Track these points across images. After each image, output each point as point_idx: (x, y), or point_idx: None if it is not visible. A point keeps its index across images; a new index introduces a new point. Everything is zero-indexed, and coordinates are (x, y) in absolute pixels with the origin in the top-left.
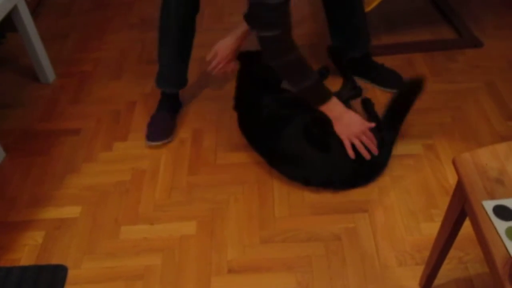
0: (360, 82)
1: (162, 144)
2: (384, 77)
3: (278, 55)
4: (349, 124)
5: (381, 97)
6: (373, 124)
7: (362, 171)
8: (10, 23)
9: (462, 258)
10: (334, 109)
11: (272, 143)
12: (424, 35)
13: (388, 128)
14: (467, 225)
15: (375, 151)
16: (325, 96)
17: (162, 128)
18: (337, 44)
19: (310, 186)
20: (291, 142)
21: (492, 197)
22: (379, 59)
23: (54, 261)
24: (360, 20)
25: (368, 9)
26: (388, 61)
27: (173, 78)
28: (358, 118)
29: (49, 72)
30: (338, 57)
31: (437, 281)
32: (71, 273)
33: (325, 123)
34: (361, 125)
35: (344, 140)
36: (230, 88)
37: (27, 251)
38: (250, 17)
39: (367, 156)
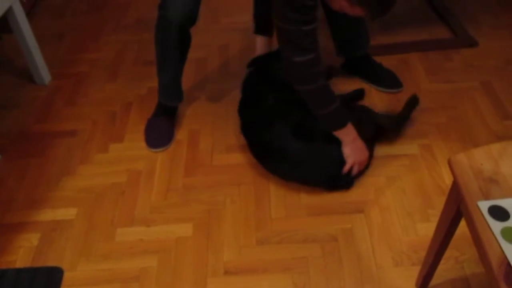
0: (358, 81)
1: (165, 149)
2: (381, 77)
3: (310, 80)
4: (359, 150)
5: (376, 97)
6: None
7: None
8: (5, 24)
9: (458, 258)
10: (349, 133)
11: (262, 133)
12: (419, 35)
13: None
14: (463, 224)
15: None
16: (344, 120)
17: (162, 133)
18: (339, 46)
19: (290, 181)
20: (280, 135)
21: (487, 197)
22: (375, 59)
23: (50, 263)
24: (359, 20)
25: None
26: (384, 61)
27: (174, 94)
28: (365, 147)
29: (44, 74)
30: (354, 68)
31: (433, 281)
32: (66, 275)
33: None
34: (366, 154)
35: (349, 162)
36: (227, 89)
37: (22, 253)
38: (284, 43)
39: (355, 173)
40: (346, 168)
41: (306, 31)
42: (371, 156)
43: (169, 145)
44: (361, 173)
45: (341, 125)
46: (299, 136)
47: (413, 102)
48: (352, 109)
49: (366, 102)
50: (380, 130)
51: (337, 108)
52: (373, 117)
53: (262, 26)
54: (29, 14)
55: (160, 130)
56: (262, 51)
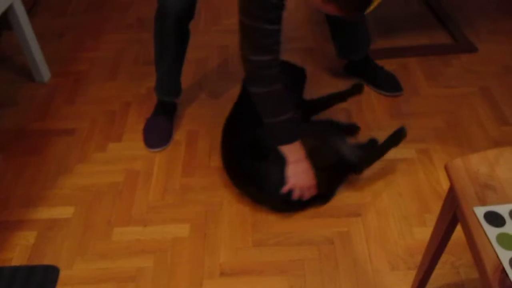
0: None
1: (163, 149)
2: (380, 80)
3: (265, 82)
4: (301, 174)
5: (375, 100)
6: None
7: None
8: (5, 21)
9: (454, 263)
10: (295, 152)
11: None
12: (419, 40)
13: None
14: (459, 229)
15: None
16: (292, 137)
17: (161, 133)
18: (339, 48)
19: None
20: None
21: (483, 203)
22: (376, 62)
23: (46, 261)
24: (359, 23)
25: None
26: (383, 65)
27: (171, 88)
28: (311, 172)
29: (44, 72)
30: (355, 70)
31: (429, 286)
32: (62, 274)
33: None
34: (309, 180)
35: (289, 183)
36: (225, 91)
37: (18, 251)
38: (244, 39)
39: (295, 197)
40: (284, 189)
41: (268, 30)
42: (329, 191)
43: (167, 145)
44: (308, 203)
45: (287, 141)
46: (252, 155)
47: (397, 137)
48: (316, 132)
49: (366, 105)
50: (344, 163)
51: (287, 120)
52: (336, 145)
53: None
54: (30, 11)
55: (159, 130)
56: None
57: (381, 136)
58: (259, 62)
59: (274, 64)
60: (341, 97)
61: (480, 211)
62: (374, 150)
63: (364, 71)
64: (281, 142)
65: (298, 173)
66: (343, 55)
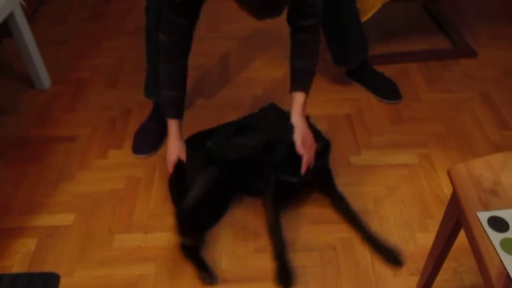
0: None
1: (148, 156)
2: (379, 87)
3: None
4: (173, 150)
5: (375, 105)
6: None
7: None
8: (6, 29)
9: (456, 269)
10: (169, 127)
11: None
12: (419, 45)
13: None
14: (461, 235)
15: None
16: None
17: (148, 140)
18: (333, 55)
19: None
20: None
21: (486, 208)
22: (376, 68)
23: (47, 269)
24: (352, 33)
25: (364, 19)
26: (384, 71)
27: (154, 87)
28: (177, 150)
29: (44, 79)
30: (355, 75)
31: None
32: (63, 281)
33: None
34: (181, 155)
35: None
36: (226, 97)
37: (19, 258)
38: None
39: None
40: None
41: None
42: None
43: (152, 153)
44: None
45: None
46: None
47: (389, 255)
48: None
49: (366, 110)
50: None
51: (175, 98)
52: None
53: None
54: (30, 19)
55: (147, 137)
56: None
57: (381, 141)
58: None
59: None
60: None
61: (483, 216)
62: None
63: (363, 77)
64: (169, 117)
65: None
66: (338, 63)
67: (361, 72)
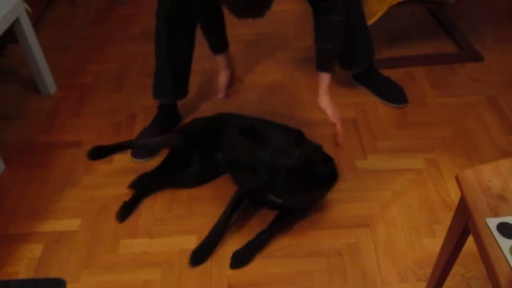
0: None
1: (145, 161)
2: (385, 91)
3: None
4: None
5: (381, 109)
6: None
7: None
8: (11, 34)
9: (464, 275)
10: (219, 61)
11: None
12: (424, 49)
13: None
14: (469, 240)
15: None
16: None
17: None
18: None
19: None
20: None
21: (495, 214)
22: (382, 72)
23: (53, 274)
24: (359, 37)
25: (369, 22)
26: (390, 75)
27: (162, 87)
28: (225, 79)
29: (50, 84)
30: (361, 79)
31: None
32: (69, 287)
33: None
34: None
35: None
36: (231, 100)
37: (25, 264)
38: None
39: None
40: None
41: None
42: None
43: (149, 158)
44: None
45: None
46: None
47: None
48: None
49: (372, 114)
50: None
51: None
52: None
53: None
54: (36, 24)
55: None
56: (226, 68)
57: (388, 146)
58: None
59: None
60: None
61: (492, 223)
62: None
63: (370, 81)
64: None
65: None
66: (345, 66)
67: (368, 76)
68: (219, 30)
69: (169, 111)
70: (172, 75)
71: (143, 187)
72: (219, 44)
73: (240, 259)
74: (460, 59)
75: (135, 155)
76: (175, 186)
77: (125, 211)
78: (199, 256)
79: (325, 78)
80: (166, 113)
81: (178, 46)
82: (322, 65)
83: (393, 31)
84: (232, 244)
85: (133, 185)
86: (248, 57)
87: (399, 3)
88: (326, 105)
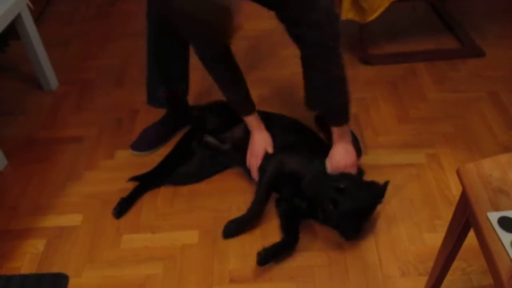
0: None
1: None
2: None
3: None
4: (253, 143)
5: (383, 105)
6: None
7: None
8: (13, 30)
9: (465, 269)
10: (249, 124)
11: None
12: (426, 45)
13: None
14: (470, 235)
15: (255, 176)
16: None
17: (148, 140)
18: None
19: None
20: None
21: (496, 208)
22: (381, 68)
23: (55, 269)
24: (335, 99)
25: (371, 18)
26: (391, 70)
27: (148, 91)
28: (263, 142)
29: (51, 80)
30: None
31: None
32: (72, 282)
33: None
34: (267, 147)
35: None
36: None
37: (28, 259)
38: None
39: (255, 177)
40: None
41: None
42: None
43: (147, 152)
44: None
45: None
46: None
47: None
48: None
49: (373, 110)
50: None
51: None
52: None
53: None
54: (37, 20)
55: (147, 136)
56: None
57: (389, 141)
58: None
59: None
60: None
61: (493, 217)
62: None
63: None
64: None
65: (251, 143)
66: (309, 106)
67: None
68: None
69: (176, 110)
70: (151, 79)
71: (142, 184)
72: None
73: (265, 257)
74: (461, 55)
75: (134, 148)
76: (174, 183)
77: (122, 208)
78: (232, 229)
79: (336, 131)
80: (172, 113)
81: (168, 48)
82: (330, 122)
83: (395, 26)
84: (232, 242)
85: (134, 179)
86: (250, 53)
87: None
88: (330, 156)
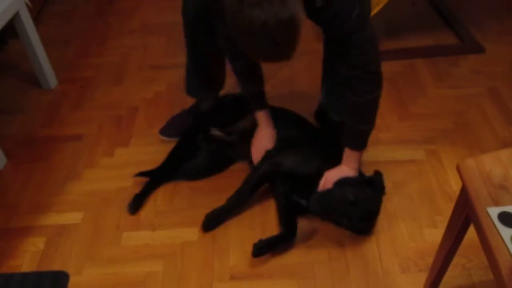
0: None
1: (169, 143)
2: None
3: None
4: (257, 138)
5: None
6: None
7: None
8: (11, 29)
9: (465, 265)
10: (258, 118)
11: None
12: (426, 41)
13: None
14: (470, 231)
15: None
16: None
17: (176, 127)
18: (323, 102)
19: None
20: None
21: (496, 203)
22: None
23: (56, 267)
24: (361, 125)
25: (370, 14)
26: (390, 66)
27: (187, 85)
28: (266, 138)
29: (50, 78)
30: (323, 119)
31: None
32: (72, 280)
33: None
34: (268, 143)
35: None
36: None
37: (28, 257)
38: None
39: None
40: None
41: None
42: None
43: (173, 138)
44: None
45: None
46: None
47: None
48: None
49: None
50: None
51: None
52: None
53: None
54: (36, 19)
55: (174, 122)
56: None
57: (389, 137)
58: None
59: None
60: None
61: (493, 212)
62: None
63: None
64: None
65: (256, 138)
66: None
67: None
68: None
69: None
70: (199, 73)
71: (153, 180)
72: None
73: (260, 248)
74: (461, 51)
75: (163, 133)
76: (183, 179)
77: (137, 203)
78: (210, 220)
79: (348, 153)
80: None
81: (203, 47)
82: (346, 141)
83: (394, 23)
84: (232, 238)
85: (140, 175)
86: None
87: None
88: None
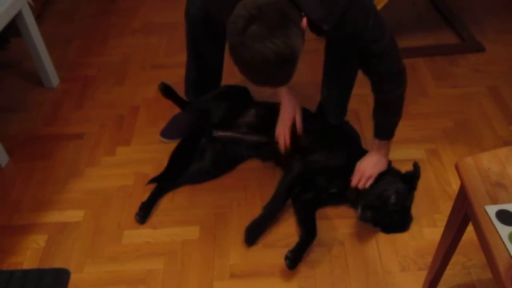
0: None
1: (170, 144)
2: None
3: None
4: (283, 108)
5: None
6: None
7: None
8: (14, 28)
9: (465, 264)
10: (280, 94)
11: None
12: (426, 40)
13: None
14: (469, 230)
15: (281, 146)
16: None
17: (177, 129)
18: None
19: None
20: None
21: (494, 201)
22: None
23: (57, 264)
24: (343, 95)
25: None
26: None
27: (185, 88)
28: (292, 107)
29: (53, 77)
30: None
31: (440, 287)
32: (73, 277)
33: None
34: (291, 114)
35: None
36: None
37: (29, 255)
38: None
39: (281, 148)
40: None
41: None
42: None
43: (174, 139)
44: None
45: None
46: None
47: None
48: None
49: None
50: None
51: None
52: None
53: None
54: (38, 18)
55: (175, 123)
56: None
57: None
58: None
59: None
60: None
61: (491, 210)
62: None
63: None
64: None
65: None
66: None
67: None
68: None
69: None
70: (199, 76)
71: (159, 186)
72: None
73: (294, 260)
74: (461, 50)
75: (165, 135)
76: (190, 183)
77: (145, 212)
78: (252, 233)
79: (377, 143)
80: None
81: (204, 50)
82: (376, 133)
83: (394, 22)
84: (233, 237)
85: (152, 182)
86: None
87: None
88: (361, 160)
